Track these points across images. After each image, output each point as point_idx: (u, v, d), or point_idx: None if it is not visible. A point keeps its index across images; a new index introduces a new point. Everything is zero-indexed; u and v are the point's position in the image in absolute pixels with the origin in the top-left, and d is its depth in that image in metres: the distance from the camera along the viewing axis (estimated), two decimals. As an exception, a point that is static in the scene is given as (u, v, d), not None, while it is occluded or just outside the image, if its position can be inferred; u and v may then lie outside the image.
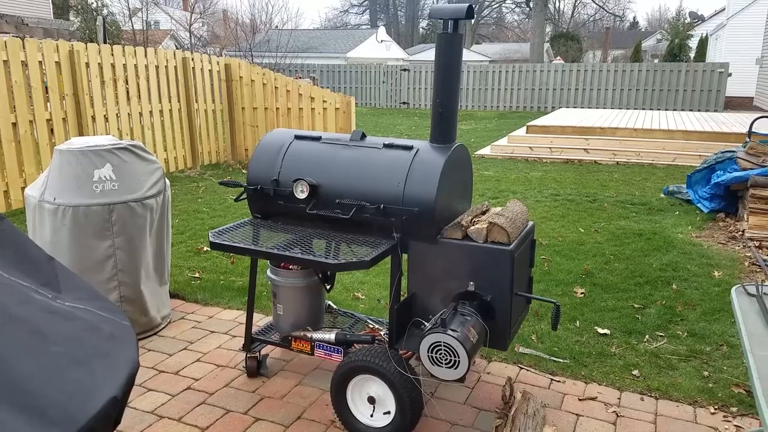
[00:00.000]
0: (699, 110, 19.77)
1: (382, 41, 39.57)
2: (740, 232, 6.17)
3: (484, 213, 3.09)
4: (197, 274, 4.99)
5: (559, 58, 36.82)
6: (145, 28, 34.50)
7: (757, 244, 5.80)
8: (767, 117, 8.63)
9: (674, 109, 19.84)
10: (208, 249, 5.60)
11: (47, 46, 7.28)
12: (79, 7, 32.02)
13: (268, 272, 3.30)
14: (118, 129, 8.35)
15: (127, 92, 8.49)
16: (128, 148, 3.75)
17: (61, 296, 1.49)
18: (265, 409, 3.13)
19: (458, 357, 2.52)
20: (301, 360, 3.61)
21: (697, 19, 38.51)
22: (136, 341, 1.51)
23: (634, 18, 69.87)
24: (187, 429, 2.97)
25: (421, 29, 61.70)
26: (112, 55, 8.19)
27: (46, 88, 7.35)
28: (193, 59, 9.66)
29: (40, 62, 7.21)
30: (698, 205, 7.25)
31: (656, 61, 34.20)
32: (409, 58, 40.61)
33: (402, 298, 2.91)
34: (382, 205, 2.84)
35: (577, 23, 55.46)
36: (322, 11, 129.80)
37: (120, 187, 3.65)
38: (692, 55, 29.84)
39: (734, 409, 3.12)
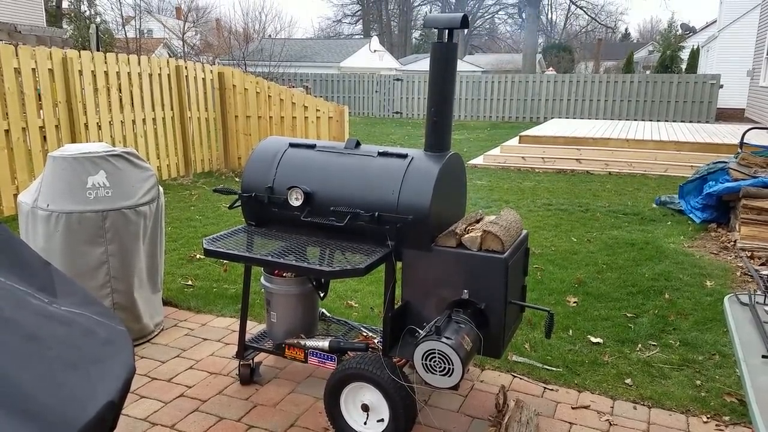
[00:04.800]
0: (691, 121, 19.89)
1: (375, 51, 39.68)
2: (732, 243, 6.20)
3: (478, 221, 3.10)
4: (190, 282, 4.98)
5: (551, 68, 37.00)
6: (138, 36, 34.49)
7: (749, 254, 5.83)
8: (759, 128, 8.71)
9: (666, 120, 19.96)
10: (201, 256, 5.59)
11: (40, 53, 7.27)
12: (73, 15, 32.00)
13: (262, 280, 3.30)
14: (111, 136, 8.33)
15: (120, 100, 8.48)
16: (122, 155, 3.75)
17: (57, 301, 1.48)
18: (258, 416, 3.12)
19: (452, 365, 2.52)
20: (295, 367, 3.60)
21: (689, 31, 38.80)
22: (132, 346, 1.51)
23: (626, 29, 70.23)
24: (179, 437, 2.96)
25: (414, 39, 61.92)
26: (106, 62, 8.18)
27: (39, 95, 7.33)
28: (186, 67, 9.66)
29: (33, 69, 7.19)
30: (690, 215, 7.29)
31: (648, 72, 34.41)
32: (402, 68, 40.75)
33: (396, 306, 2.91)
34: (376, 213, 2.85)
35: (570, 34, 55.81)
36: (316, 21, 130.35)
37: (113, 194, 3.64)
38: (684, 66, 30.04)
39: (726, 418, 3.13)
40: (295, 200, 3.01)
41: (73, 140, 7.66)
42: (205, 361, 3.70)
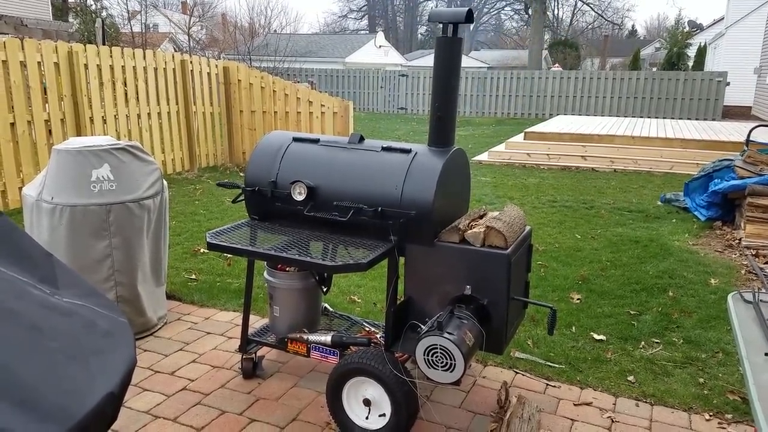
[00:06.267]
0: (697, 119, 19.82)
1: (380, 46, 39.66)
2: (737, 241, 6.18)
3: (481, 217, 3.09)
4: (194, 276, 4.98)
5: (557, 65, 36.90)
6: (143, 31, 34.53)
7: (753, 252, 5.81)
8: (765, 126, 8.67)
9: (672, 118, 19.89)
10: (205, 250, 5.59)
11: (46, 47, 7.28)
12: (79, 8, 32.04)
13: (265, 274, 3.30)
14: (116, 130, 8.34)
15: (126, 94, 8.49)
16: (126, 148, 3.75)
17: (58, 292, 1.49)
18: (260, 410, 3.12)
19: (454, 360, 2.52)
20: (297, 362, 3.61)
21: (696, 28, 38.63)
22: (133, 338, 1.51)
23: (633, 26, 69.89)
24: (182, 429, 2.96)
25: (419, 35, 61.89)
26: (111, 56, 8.19)
27: (45, 88, 7.34)
28: (191, 62, 9.66)
29: (38, 63, 7.20)
30: (695, 213, 7.26)
31: (654, 69, 34.28)
32: (407, 63, 40.70)
33: (398, 302, 2.91)
34: (379, 208, 2.84)
35: (576, 31, 55.59)
36: (321, 16, 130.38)
37: (118, 187, 3.65)
38: (690, 63, 29.91)
39: (729, 416, 3.12)
40: (299, 195, 3.01)
41: (78, 134, 7.67)
42: (208, 355, 3.71)
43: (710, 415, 3.14)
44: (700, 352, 3.81)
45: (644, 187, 9.33)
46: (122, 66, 8.39)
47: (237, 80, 10.09)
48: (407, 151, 2.95)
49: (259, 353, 3.51)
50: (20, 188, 6.85)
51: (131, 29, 34.08)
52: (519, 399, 3.04)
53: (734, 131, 12.84)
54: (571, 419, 3.10)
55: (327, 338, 3.14)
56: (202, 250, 5.63)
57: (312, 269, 3.14)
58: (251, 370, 3.42)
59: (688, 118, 19.87)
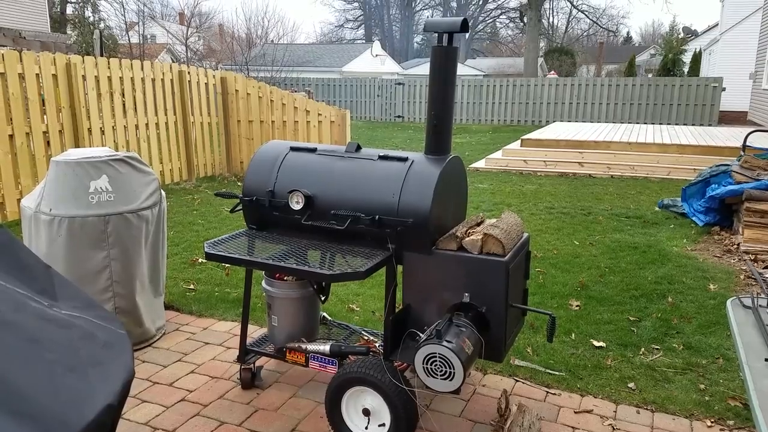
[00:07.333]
0: (693, 124, 19.85)
1: (376, 55, 39.78)
2: (735, 246, 6.18)
3: (479, 224, 3.09)
4: (192, 286, 4.97)
5: (553, 72, 36.98)
6: (141, 42, 34.61)
7: (752, 257, 5.81)
8: (761, 131, 8.70)
9: (668, 124, 19.93)
10: (203, 260, 5.59)
11: (44, 58, 7.29)
12: (77, 20, 32.12)
13: (263, 283, 3.30)
14: (114, 141, 8.35)
15: (124, 105, 8.50)
16: (125, 159, 3.75)
17: (57, 304, 1.48)
18: (259, 421, 3.11)
19: (453, 368, 2.52)
20: (296, 372, 3.60)
21: (691, 34, 38.76)
22: (132, 350, 1.51)
23: (628, 33, 70.15)
24: (181, 441, 2.95)
25: (415, 44, 62.06)
26: (109, 68, 8.21)
27: (43, 100, 7.35)
28: (189, 72, 9.68)
29: (37, 75, 7.21)
30: (693, 218, 7.27)
31: (650, 75, 34.37)
32: (403, 72, 40.79)
33: (397, 310, 2.91)
34: (377, 216, 2.84)
35: (571, 38, 55.80)
36: (318, 26, 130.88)
37: (116, 198, 3.65)
38: (686, 69, 30.01)
39: (731, 422, 3.12)
40: (296, 204, 3.01)
41: (77, 145, 7.67)
42: (206, 366, 3.70)
43: (712, 422, 3.13)
44: (701, 357, 3.81)
45: (641, 193, 9.34)
46: (120, 77, 8.40)
47: (234, 90, 10.11)
48: (404, 160, 2.96)
49: (257, 363, 3.50)
50: (19, 200, 6.86)
51: (129, 40, 34.18)
52: (519, 407, 3.03)
53: (731, 136, 12.87)
54: (572, 427, 3.10)
55: (325, 347, 3.14)
56: (200, 260, 5.62)
57: (310, 278, 3.14)
58: (250, 380, 3.41)
59: (685, 124, 19.92)
